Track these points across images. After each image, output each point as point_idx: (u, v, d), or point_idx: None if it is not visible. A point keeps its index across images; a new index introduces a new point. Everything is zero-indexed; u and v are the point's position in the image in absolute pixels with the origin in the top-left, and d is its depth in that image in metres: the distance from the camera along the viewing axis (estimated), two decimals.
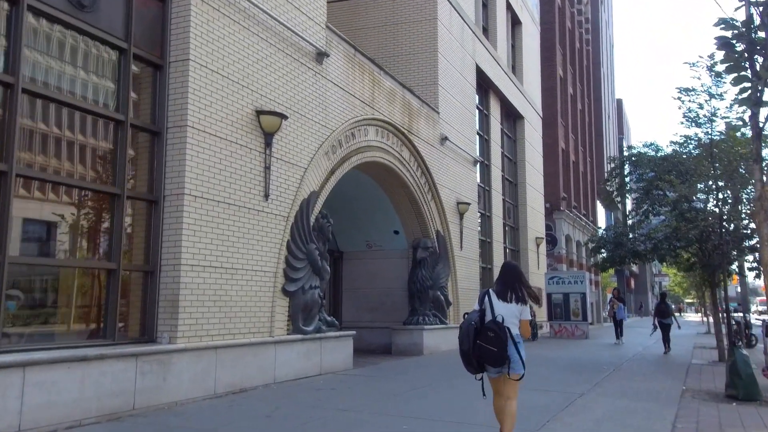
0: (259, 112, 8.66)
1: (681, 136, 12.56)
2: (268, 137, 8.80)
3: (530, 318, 5.29)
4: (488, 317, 5.01)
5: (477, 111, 19.73)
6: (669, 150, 13.54)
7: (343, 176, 13.27)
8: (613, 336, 20.40)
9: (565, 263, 30.36)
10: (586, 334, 22.27)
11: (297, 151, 9.67)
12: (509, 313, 5.02)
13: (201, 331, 7.43)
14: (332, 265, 15.60)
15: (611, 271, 55.39)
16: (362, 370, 10.79)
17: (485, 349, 4.90)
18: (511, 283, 5.18)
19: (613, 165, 15.30)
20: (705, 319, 46.11)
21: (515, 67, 24.39)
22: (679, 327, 19.70)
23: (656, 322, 17.32)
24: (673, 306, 21.25)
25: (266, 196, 8.79)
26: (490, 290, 5.19)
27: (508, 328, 4.95)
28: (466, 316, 5.26)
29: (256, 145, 8.64)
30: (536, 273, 24.26)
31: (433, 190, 15.18)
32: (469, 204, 16.77)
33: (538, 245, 24.84)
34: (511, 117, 23.78)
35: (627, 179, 15.08)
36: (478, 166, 19.45)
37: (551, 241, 29.81)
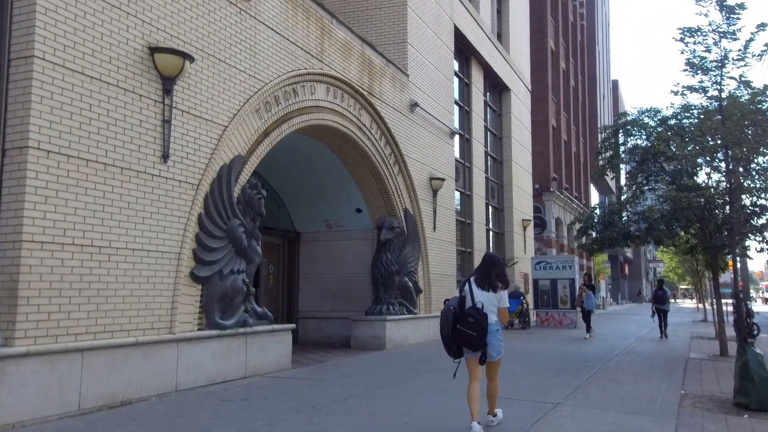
0: (154, 50, 6.84)
1: (683, 86, 10.72)
2: (167, 82, 6.99)
3: (508, 306, 5.51)
4: (468, 304, 5.28)
5: (456, 79, 17.90)
6: (668, 113, 11.75)
7: (297, 146, 11.52)
8: (585, 331, 16.54)
9: (555, 248, 28.70)
10: (574, 323, 20.64)
11: (213, 105, 7.86)
12: (488, 301, 5.31)
13: (57, 329, 5.67)
14: (288, 247, 13.87)
15: (605, 257, 54.05)
16: (301, 370, 9.08)
17: (465, 333, 5.18)
18: (489, 272, 5.41)
19: (604, 134, 13.52)
20: (700, 306, 44.73)
21: (501, 35, 22.50)
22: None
23: (654, 308, 17.40)
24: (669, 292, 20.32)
25: (165, 156, 6.99)
26: (471, 278, 5.46)
27: (487, 315, 5.22)
28: (446, 302, 5.50)
29: (149, 92, 6.83)
30: (522, 258, 22.59)
31: (401, 163, 13.40)
32: (443, 180, 15.01)
33: (524, 228, 23.15)
34: (497, 89, 21.94)
35: (621, 149, 13.30)
36: (456, 139, 17.66)
37: (540, 224, 28.12)
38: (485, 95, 20.49)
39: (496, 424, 5.53)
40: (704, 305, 29.49)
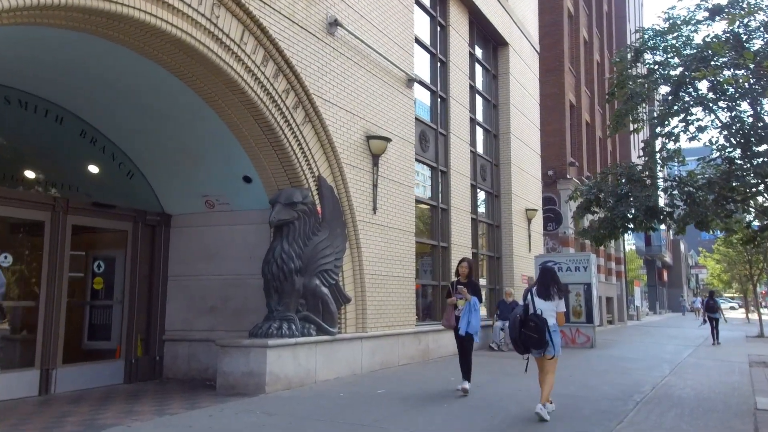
0: None
1: None
2: None
3: (564, 310, 6.69)
4: (531, 311, 6.45)
5: (422, 13, 13.39)
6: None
7: (150, 82, 7.31)
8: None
9: (573, 247, 23.76)
10: (591, 341, 15.84)
11: None
12: (547, 308, 6.47)
13: None
14: (147, 236, 9.51)
15: (640, 261, 48.32)
16: None
17: (528, 336, 6.38)
18: (547, 283, 6.62)
19: (618, 60, 8.85)
20: (752, 316, 38.85)
21: None
22: (725, 321, 21.53)
23: (706, 317, 19.55)
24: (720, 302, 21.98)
25: None
26: (533, 289, 6.70)
27: (546, 320, 6.38)
28: (513, 310, 7.51)
29: None
30: (526, 257, 17.80)
31: (308, 107, 8.94)
32: (388, 141, 10.49)
33: (529, 220, 18.36)
34: (490, 42, 17.28)
35: (645, 86, 8.56)
36: (426, 96, 13.18)
37: (555, 218, 23.29)
38: (472, 47, 15.87)
39: (548, 411, 6.35)
40: (759, 318, 24.23)
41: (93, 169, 8.84)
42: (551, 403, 6.52)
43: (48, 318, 7.63)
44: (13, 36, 6.31)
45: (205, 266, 9.46)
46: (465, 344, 7.95)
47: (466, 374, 7.93)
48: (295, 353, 8.29)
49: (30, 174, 8.02)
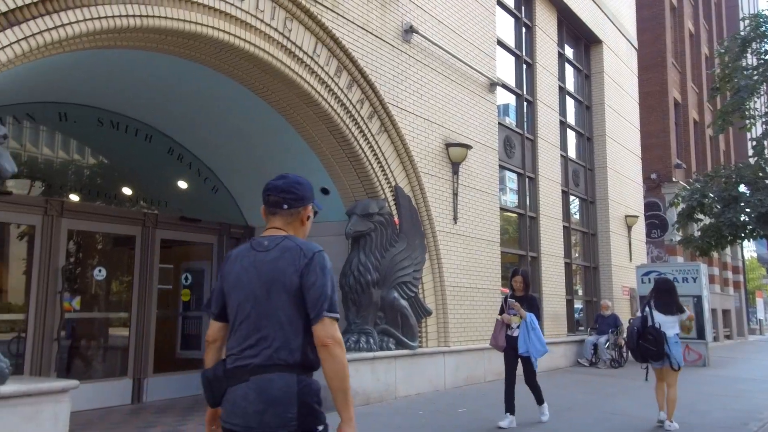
0: None
1: None
2: None
3: (691, 315, 7.26)
4: (649, 323, 6.48)
5: (505, 13, 12.93)
6: None
7: (230, 99, 7.55)
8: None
9: (681, 256, 21.99)
10: (703, 359, 14.44)
11: None
12: (666, 321, 6.48)
13: None
14: (230, 248, 9.72)
15: (762, 270, 44.01)
16: None
17: (646, 348, 6.46)
18: (667, 298, 6.65)
19: (723, 51, 7.98)
20: None
21: None
22: None
23: None
24: None
25: None
26: (651, 301, 6.67)
27: (665, 333, 6.41)
28: (631, 321, 7.98)
29: None
30: (626, 267, 16.63)
31: (384, 116, 8.80)
32: (468, 148, 10.12)
33: (629, 227, 17.16)
34: (581, 41, 16.42)
35: (754, 78, 7.65)
36: (512, 100, 12.71)
37: (660, 225, 21.69)
38: (561, 46, 15.14)
39: (672, 430, 6.48)
40: None
41: (180, 184, 9.19)
42: (673, 422, 6.58)
43: (139, 329, 7.96)
44: (100, 59, 6.64)
45: None
46: (526, 368, 6.85)
47: (539, 399, 7.01)
48: (373, 367, 8.12)
49: (123, 191, 8.46)
